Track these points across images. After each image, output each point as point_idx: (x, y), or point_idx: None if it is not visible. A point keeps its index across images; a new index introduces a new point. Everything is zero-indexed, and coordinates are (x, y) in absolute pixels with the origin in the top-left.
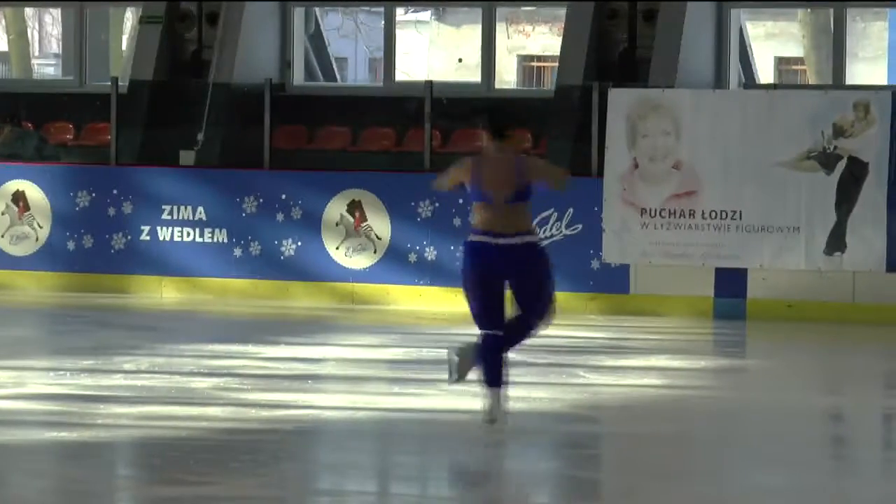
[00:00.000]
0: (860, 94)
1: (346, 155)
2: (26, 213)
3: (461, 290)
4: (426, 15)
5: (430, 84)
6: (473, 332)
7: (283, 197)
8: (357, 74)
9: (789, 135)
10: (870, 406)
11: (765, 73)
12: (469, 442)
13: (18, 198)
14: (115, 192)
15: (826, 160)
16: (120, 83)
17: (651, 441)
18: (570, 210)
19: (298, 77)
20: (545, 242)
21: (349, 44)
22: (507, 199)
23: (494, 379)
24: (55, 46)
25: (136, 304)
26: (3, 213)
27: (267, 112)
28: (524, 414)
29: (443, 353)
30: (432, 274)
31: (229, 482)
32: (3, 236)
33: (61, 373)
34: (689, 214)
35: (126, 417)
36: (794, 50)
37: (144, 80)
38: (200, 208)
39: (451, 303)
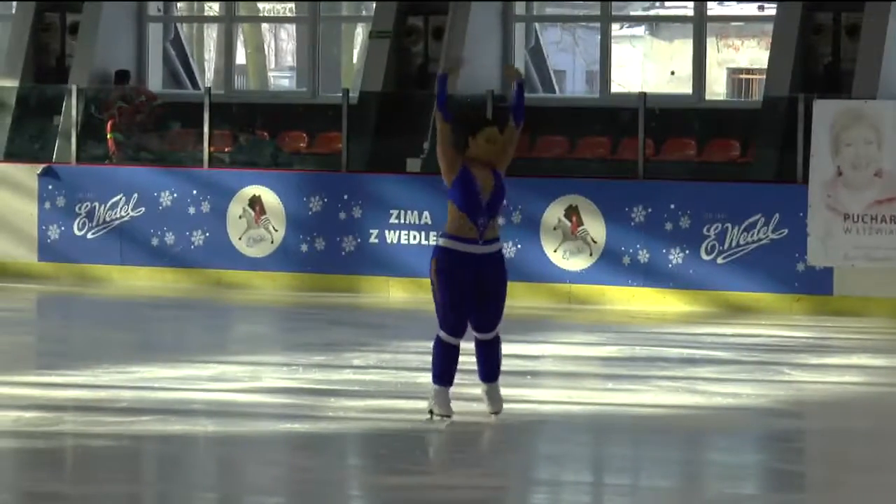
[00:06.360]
0: None
1: (564, 162)
2: (262, 217)
3: (668, 290)
4: (640, 30)
5: (643, 95)
6: (685, 332)
7: (504, 202)
8: (574, 86)
9: None
10: None
11: None
12: (680, 435)
13: (255, 202)
14: (345, 197)
15: None
16: (351, 94)
17: (852, 435)
18: (777, 215)
19: None
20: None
21: (567, 57)
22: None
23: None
24: (290, 60)
25: (365, 303)
26: (240, 217)
27: None
28: (733, 409)
29: (655, 351)
30: (645, 276)
31: (453, 472)
32: (240, 239)
33: (294, 368)
34: (891, 220)
35: (354, 410)
36: None
37: (374, 91)
38: (426, 213)
39: (662, 303)
